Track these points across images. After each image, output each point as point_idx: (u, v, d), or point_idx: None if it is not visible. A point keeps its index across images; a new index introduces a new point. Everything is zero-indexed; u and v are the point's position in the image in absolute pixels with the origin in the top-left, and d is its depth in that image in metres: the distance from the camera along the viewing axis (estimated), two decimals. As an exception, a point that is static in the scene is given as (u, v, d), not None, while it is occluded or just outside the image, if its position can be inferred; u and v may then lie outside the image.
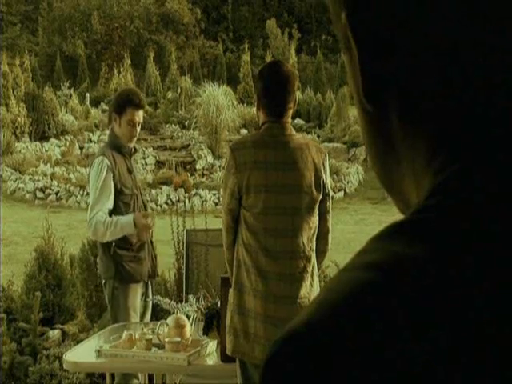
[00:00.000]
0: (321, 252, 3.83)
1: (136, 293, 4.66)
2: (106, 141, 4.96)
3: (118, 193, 4.66)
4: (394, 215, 0.56)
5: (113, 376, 4.69)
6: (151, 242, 4.85)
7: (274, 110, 3.67)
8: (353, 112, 19.02)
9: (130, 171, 4.78)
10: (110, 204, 4.62)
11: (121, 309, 4.60)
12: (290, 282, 3.64)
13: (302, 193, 3.67)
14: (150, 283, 4.87)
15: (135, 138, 4.84)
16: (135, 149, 4.91)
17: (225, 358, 3.85)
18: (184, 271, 5.44)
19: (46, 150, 18.10)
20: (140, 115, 4.78)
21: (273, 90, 3.67)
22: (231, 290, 3.72)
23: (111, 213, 4.61)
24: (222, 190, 3.81)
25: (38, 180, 15.89)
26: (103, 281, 4.78)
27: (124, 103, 4.72)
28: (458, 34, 0.55)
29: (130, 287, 4.62)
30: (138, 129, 4.81)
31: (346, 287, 0.51)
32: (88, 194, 5.00)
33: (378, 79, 0.58)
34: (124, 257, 4.62)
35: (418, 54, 0.56)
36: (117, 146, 4.73)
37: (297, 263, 3.66)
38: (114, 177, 4.63)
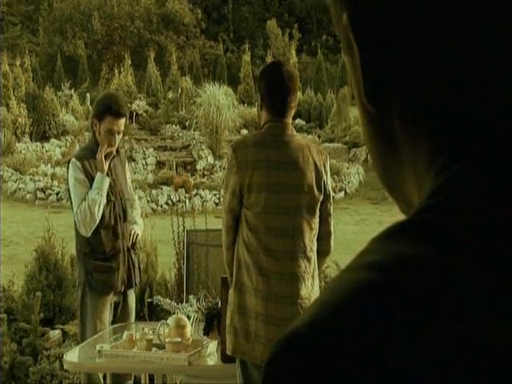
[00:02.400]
0: (322, 253, 3.82)
1: (105, 303, 4.53)
2: (86, 143, 4.83)
3: None
4: (395, 216, 0.56)
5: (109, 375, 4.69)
6: (128, 250, 4.69)
7: (278, 110, 3.69)
8: (353, 112, 19.02)
9: (107, 176, 4.62)
10: None
11: (88, 317, 4.50)
12: (291, 282, 3.64)
13: (303, 193, 3.68)
14: (131, 292, 4.76)
15: (115, 146, 4.66)
16: (117, 151, 4.73)
17: (225, 358, 3.85)
18: (184, 271, 5.44)
19: (46, 151, 18.10)
20: (120, 124, 4.61)
21: (277, 89, 3.68)
22: (231, 290, 3.72)
23: None
24: (222, 189, 3.80)
25: (39, 180, 15.89)
26: (77, 282, 4.70)
27: (103, 111, 4.57)
28: (459, 33, 0.55)
29: (98, 297, 4.50)
30: (119, 137, 4.65)
31: (348, 287, 0.51)
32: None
33: (380, 80, 0.58)
34: (94, 266, 4.48)
35: (419, 55, 0.56)
36: (94, 152, 4.60)
37: (298, 263, 3.65)
38: (88, 179, 4.54)
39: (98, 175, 4.53)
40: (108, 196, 4.57)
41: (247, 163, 3.62)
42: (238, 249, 3.67)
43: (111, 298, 4.59)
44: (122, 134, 4.71)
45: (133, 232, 4.75)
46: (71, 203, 4.64)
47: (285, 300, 3.60)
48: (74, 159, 4.60)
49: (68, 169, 4.64)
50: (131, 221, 4.78)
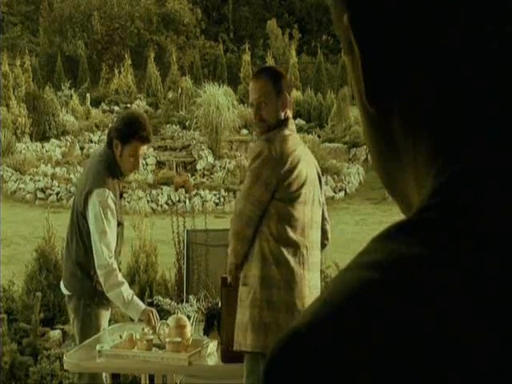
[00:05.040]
0: (323, 246, 3.97)
1: (106, 315, 4.50)
2: (104, 164, 4.39)
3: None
4: (395, 215, 0.57)
5: (113, 376, 4.69)
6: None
7: (291, 108, 3.87)
8: (353, 112, 19.03)
9: (121, 195, 4.50)
10: (115, 242, 4.36)
11: (92, 329, 4.39)
12: (317, 272, 3.76)
13: (318, 186, 3.86)
14: None
15: (135, 170, 4.58)
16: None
17: (225, 358, 3.85)
18: (184, 271, 5.44)
19: (46, 151, 18.11)
20: (144, 148, 4.45)
21: (290, 88, 3.92)
22: (251, 286, 3.65)
23: None
24: (248, 182, 3.68)
25: (39, 180, 15.89)
26: (69, 293, 4.46)
27: (130, 135, 4.34)
28: (459, 34, 0.55)
29: (103, 308, 4.43)
30: (141, 160, 4.50)
31: (347, 287, 0.51)
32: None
33: (380, 80, 0.58)
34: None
35: (420, 56, 0.56)
36: (115, 173, 4.38)
37: (318, 253, 3.80)
38: (115, 210, 4.35)
39: (139, 314, 4.30)
40: (120, 218, 4.45)
41: (282, 157, 3.64)
42: (263, 243, 3.65)
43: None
44: (142, 158, 4.55)
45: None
46: (81, 222, 4.37)
47: (315, 291, 3.65)
48: (108, 191, 4.30)
49: (93, 194, 4.29)
50: None
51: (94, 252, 4.30)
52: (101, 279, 4.29)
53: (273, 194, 3.65)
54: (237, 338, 3.68)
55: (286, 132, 3.75)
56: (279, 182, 3.64)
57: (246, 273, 3.68)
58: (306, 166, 3.74)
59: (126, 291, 4.30)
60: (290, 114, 3.80)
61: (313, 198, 3.76)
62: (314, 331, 0.49)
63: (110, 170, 4.37)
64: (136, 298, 4.35)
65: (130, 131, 4.35)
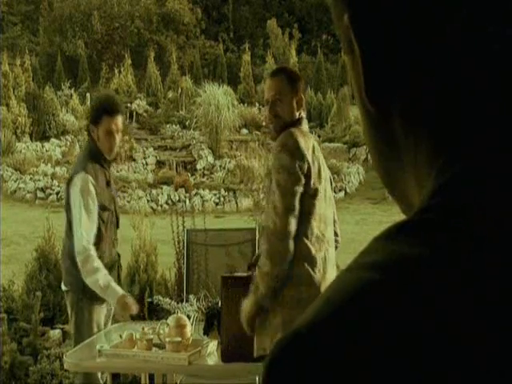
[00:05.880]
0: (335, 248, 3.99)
1: (101, 310, 4.47)
2: (85, 152, 4.52)
3: (99, 210, 4.38)
4: (395, 215, 0.57)
5: (113, 375, 4.69)
6: (118, 267, 4.64)
7: (305, 110, 3.88)
8: (353, 112, 19.04)
9: (108, 183, 4.47)
10: (95, 228, 4.35)
11: (85, 323, 4.38)
12: (333, 268, 3.76)
13: (330, 186, 3.83)
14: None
15: (115, 148, 4.48)
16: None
17: (225, 358, 3.85)
18: (184, 271, 5.44)
19: (46, 150, 18.11)
20: (118, 122, 4.41)
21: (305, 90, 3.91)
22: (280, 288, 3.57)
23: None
24: (281, 178, 3.53)
25: (39, 180, 15.90)
26: (66, 288, 4.49)
27: (99, 112, 4.39)
28: (459, 35, 0.55)
29: (97, 304, 4.41)
30: (118, 137, 4.44)
31: (348, 288, 0.51)
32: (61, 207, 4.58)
33: (380, 80, 0.58)
34: None
35: (420, 55, 0.56)
36: (97, 159, 4.39)
37: (334, 251, 3.80)
38: (96, 194, 4.33)
39: (116, 299, 4.32)
40: (109, 205, 4.44)
41: (307, 151, 3.61)
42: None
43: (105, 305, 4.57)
44: (121, 134, 4.50)
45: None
46: (69, 213, 4.39)
47: None
48: (87, 175, 4.31)
49: (73, 181, 4.34)
50: None
51: (74, 239, 4.32)
52: (79, 265, 4.29)
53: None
54: (260, 344, 3.57)
55: (303, 129, 3.76)
56: (306, 173, 3.58)
57: None
58: (322, 163, 3.73)
59: (103, 277, 4.28)
60: (304, 114, 3.80)
61: (329, 197, 3.74)
62: (314, 331, 0.49)
63: (91, 156, 4.43)
64: (114, 284, 4.32)
65: (98, 109, 4.44)
